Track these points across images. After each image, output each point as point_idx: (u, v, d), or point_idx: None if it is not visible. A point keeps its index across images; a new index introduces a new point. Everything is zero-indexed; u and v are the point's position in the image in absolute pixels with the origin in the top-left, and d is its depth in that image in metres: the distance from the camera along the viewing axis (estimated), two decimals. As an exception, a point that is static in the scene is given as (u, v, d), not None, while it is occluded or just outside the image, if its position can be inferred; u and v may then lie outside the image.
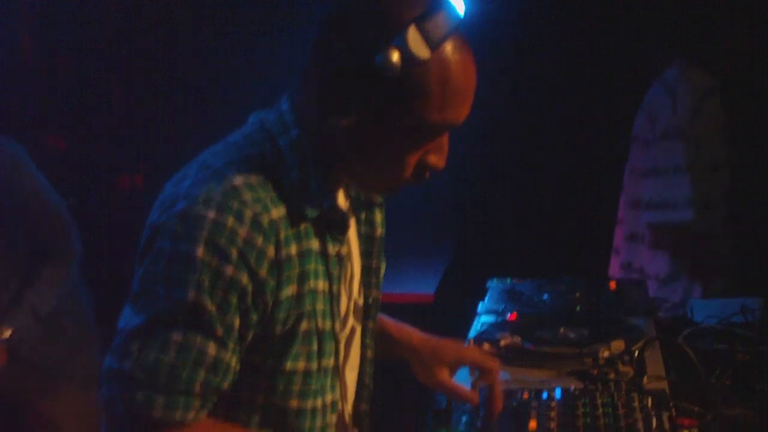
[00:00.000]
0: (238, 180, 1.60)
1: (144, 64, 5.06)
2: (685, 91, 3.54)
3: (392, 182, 1.68)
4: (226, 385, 1.61)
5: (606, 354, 2.41)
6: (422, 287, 4.44)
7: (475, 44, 1.58)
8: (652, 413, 2.06)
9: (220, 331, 1.56)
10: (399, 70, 1.50)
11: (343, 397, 1.84)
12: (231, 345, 1.59)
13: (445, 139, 1.65)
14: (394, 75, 1.51)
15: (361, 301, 1.90)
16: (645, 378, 2.26)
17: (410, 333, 2.09)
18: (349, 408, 1.90)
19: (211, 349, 1.57)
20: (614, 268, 3.97)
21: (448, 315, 2.33)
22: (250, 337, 1.62)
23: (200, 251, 1.54)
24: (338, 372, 1.77)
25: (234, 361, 1.61)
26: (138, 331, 1.56)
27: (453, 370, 2.06)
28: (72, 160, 4.92)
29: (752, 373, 2.41)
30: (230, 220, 1.56)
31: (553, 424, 2.04)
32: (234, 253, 1.55)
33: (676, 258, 3.63)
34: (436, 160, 1.65)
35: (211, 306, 1.55)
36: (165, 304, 1.55)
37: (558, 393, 2.20)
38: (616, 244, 4.01)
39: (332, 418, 1.78)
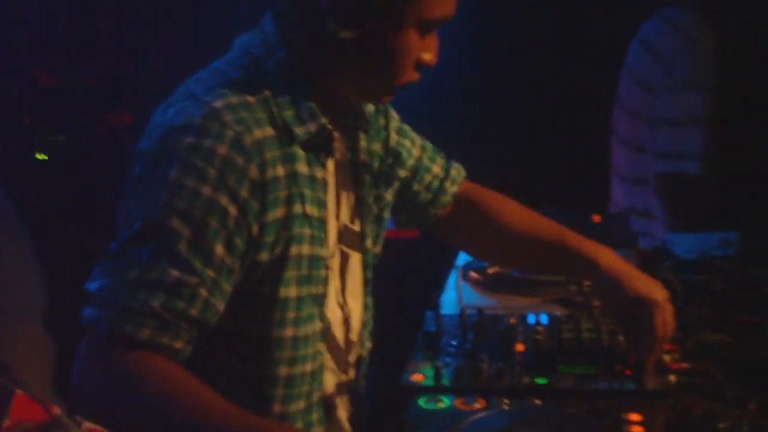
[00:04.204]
0: (219, 103, 1.61)
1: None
2: (705, 40, 3.47)
3: (393, 85, 1.73)
4: (196, 313, 1.57)
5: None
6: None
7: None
8: (635, 337, 2.13)
9: (189, 254, 1.54)
10: None
11: (347, 325, 1.88)
12: (207, 272, 1.56)
13: (435, 36, 1.72)
14: None
15: (356, 228, 1.91)
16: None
17: (599, 254, 2.06)
18: (354, 337, 1.92)
19: (175, 271, 1.54)
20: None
21: (435, 248, 2.40)
22: (237, 267, 1.61)
23: (176, 173, 1.55)
24: (327, 299, 1.79)
25: (205, 291, 1.57)
26: (112, 252, 1.57)
27: (633, 312, 1.98)
28: (62, 97, 4.92)
29: (730, 302, 2.48)
30: (208, 142, 1.56)
31: (539, 348, 2.10)
32: (212, 173, 1.56)
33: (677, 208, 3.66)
34: (431, 56, 1.72)
35: (182, 228, 1.54)
36: (138, 225, 1.55)
37: (544, 318, 2.27)
38: (614, 191, 4.00)
39: (322, 346, 1.80)
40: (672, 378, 1.97)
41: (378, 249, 2.00)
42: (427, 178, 2.12)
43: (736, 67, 3.56)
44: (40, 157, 4.88)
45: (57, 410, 2.12)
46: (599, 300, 2.16)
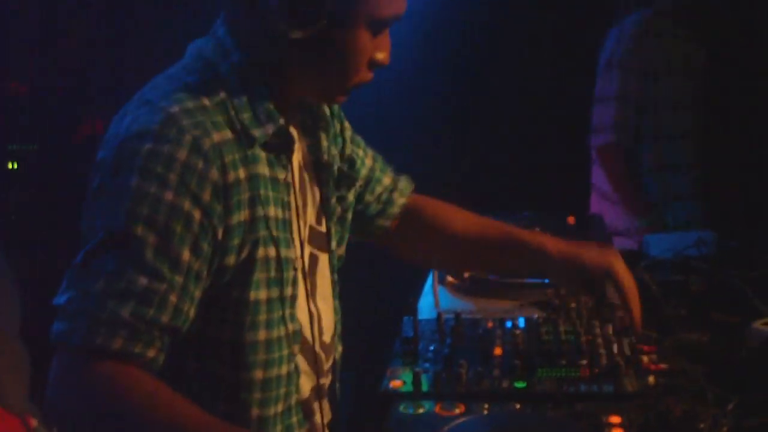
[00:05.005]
0: (175, 108, 1.60)
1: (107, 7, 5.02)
2: (631, 25, 3.73)
3: (347, 85, 1.73)
4: (166, 320, 1.55)
5: (567, 284, 2.47)
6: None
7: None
8: (613, 339, 2.12)
9: (156, 261, 1.53)
10: None
11: (318, 327, 1.86)
12: (175, 278, 1.55)
13: (387, 35, 1.73)
14: None
15: (323, 229, 1.91)
16: (605, 306, 2.32)
17: (545, 242, 2.11)
18: (327, 339, 1.91)
19: (143, 279, 1.52)
20: (593, 200, 4.08)
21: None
22: (205, 271, 1.60)
23: (136, 180, 1.54)
24: (296, 301, 1.78)
25: (175, 297, 1.55)
26: (77, 266, 1.56)
27: (598, 283, 2.08)
28: (33, 105, 4.88)
29: (707, 302, 2.49)
30: (167, 147, 1.55)
31: (517, 351, 2.09)
32: (173, 179, 1.55)
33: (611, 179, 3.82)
34: (383, 55, 1.73)
35: (147, 235, 1.53)
36: (101, 236, 1.54)
37: (521, 322, 2.26)
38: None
39: (295, 349, 1.78)
40: (651, 379, 1.96)
41: (342, 251, 2.00)
42: (378, 189, 2.13)
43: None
44: (11, 165, 4.85)
45: (34, 422, 2.08)
46: (560, 282, 2.21)
